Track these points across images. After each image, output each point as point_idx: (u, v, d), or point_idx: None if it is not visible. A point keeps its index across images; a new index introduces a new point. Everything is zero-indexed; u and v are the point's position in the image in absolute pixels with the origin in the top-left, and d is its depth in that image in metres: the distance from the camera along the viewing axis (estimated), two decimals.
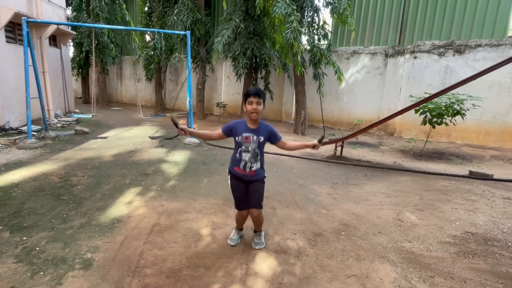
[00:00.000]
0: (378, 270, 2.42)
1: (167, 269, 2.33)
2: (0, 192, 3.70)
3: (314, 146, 2.43)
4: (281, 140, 2.54)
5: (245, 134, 2.41)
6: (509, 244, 2.88)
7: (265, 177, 2.60)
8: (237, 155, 2.46)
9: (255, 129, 2.43)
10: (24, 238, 2.69)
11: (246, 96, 2.38)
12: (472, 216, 3.50)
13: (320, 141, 2.41)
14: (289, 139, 7.94)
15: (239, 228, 2.82)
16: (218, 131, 2.54)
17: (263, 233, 2.80)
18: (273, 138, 2.51)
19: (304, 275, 2.33)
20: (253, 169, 2.45)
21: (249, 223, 2.84)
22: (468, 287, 2.24)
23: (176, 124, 2.36)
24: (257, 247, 2.68)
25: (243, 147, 2.42)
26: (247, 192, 2.54)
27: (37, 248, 2.55)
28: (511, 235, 3.06)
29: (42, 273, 2.23)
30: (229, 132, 2.48)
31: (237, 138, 2.44)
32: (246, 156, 2.42)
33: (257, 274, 2.32)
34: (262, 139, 2.43)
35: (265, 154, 2.61)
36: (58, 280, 2.15)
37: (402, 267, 2.48)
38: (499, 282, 2.31)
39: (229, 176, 2.60)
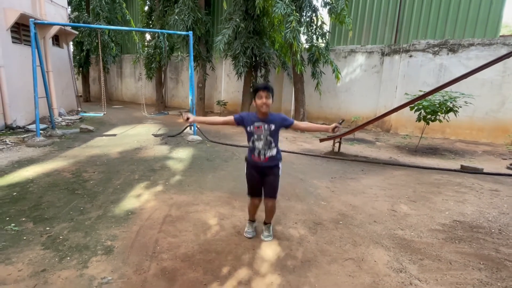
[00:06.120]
0: (373, 254, 2.67)
1: (181, 254, 2.57)
2: (17, 187, 3.92)
3: (334, 128, 2.52)
4: (294, 123, 2.66)
5: (256, 124, 2.59)
6: (493, 230, 3.14)
7: (280, 164, 2.73)
8: (251, 144, 2.65)
9: (265, 119, 2.59)
10: (47, 228, 2.92)
11: (255, 91, 2.56)
12: (461, 207, 3.75)
13: (340, 123, 2.54)
14: (289, 136, 8.03)
15: (252, 219, 2.97)
16: (226, 117, 2.73)
17: (271, 226, 2.97)
18: (285, 123, 2.64)
19: (306, 258, 2.57)
20: (267, 155, 2.63)
21: (260, 216, 3.06)
22: (453, 267, 2.50)
23: (180, 113, 2.55)
24: (266, 240, 2.84)
25: (255, 136, 2.60)
26: (262, 182, 2.74)
27: (61, 237, 2.77)
28: (495, 222, 3.32)
29: (68, 258, 2.46)
30: (240, 121, 2.66)
31: (248, 128, 2.62)
32: (259, 144, 2.60)
33: (263, 258, 2.56)
34: (273, 127, 2.58)
35: None
36: (84, 264, 2.39)
37: (395, 251, 2.73)
38: (481, 263, 2.56)
39: (245, 165, 2.80)
